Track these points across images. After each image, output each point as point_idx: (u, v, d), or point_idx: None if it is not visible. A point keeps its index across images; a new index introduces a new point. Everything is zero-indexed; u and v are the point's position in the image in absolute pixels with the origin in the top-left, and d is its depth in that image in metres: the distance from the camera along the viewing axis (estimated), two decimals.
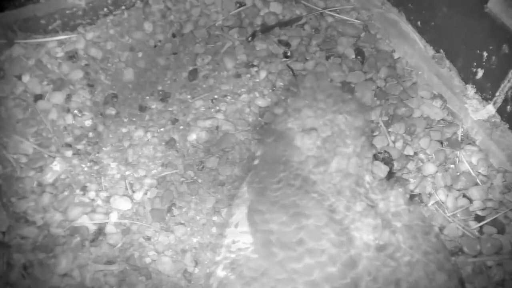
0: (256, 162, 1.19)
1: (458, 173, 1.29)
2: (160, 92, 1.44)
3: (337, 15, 1.60)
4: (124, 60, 1.50)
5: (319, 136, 1.34)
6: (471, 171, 1.29)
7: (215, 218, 1.23)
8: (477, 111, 1.34)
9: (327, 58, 1.50)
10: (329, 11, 1.61)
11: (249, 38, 1.54)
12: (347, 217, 1.21)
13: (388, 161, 1.29)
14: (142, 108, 1.41)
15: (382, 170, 1.27)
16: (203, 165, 1.30)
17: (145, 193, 1.26)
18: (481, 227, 1.21)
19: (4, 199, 1.23)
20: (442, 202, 1.24)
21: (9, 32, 1.46)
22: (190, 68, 1.49)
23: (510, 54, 1.22)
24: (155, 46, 1.54)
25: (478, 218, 1.23)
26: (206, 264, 1.17)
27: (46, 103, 1.38)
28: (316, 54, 1.51)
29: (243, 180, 1.28)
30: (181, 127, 1.37)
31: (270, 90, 1.44)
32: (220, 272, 0.93)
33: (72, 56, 1.47)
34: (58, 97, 1.39)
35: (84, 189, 1.26)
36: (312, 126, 1.37)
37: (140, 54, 1.52)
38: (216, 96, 1.43)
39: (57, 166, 1.28)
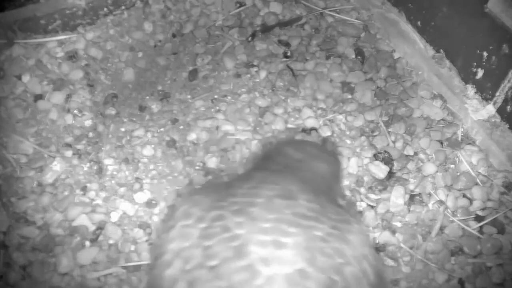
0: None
1: (458, 173, 1.29)
2: (160, 92, 1.44)
3: (337, 15, 1.60)
4: (124, 60, 1.50)
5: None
6: (471, 171, 1.29)
7: None
8: (477, 111, 1.34)
9: (327, 58, 1.50)
10: (329, 11, 1.61)
11: (249, 38, 1.54)
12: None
13: (388, 161, 1.29)
14: (142, 108, 1.41)
15: (382, 170, 1.27)
16: (204, 165, 1.30)
17: (145, 193, 1.26)
18: (481, 227, 1.21)
19: (4, 199, 1.23)
20: (442, 202, 1.24)
21: (9, 32, 1.45)
22: (190, 68, 1.49)
23: (510, 54, 1.22)
24: (155, 46, 1.54)
25: (478, 218, 1.22)
26: None
27: (46, 103, 1.38)
28: (316, 54, 1.51)
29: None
30: (181, 127, 1.37)
31: (270, 90, 1.44)
32: None
33: (72, 56, 1.46)
34: (58, 97, 1.39)
35: (84, 189, 1.25)
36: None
37: (140, 54, 1.52)
38: (216, 96, 1.43)
39: (57, 166, 1.28)
